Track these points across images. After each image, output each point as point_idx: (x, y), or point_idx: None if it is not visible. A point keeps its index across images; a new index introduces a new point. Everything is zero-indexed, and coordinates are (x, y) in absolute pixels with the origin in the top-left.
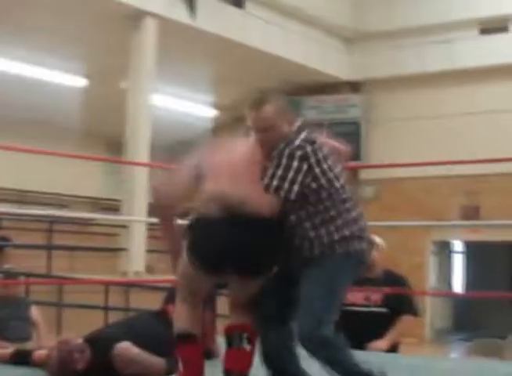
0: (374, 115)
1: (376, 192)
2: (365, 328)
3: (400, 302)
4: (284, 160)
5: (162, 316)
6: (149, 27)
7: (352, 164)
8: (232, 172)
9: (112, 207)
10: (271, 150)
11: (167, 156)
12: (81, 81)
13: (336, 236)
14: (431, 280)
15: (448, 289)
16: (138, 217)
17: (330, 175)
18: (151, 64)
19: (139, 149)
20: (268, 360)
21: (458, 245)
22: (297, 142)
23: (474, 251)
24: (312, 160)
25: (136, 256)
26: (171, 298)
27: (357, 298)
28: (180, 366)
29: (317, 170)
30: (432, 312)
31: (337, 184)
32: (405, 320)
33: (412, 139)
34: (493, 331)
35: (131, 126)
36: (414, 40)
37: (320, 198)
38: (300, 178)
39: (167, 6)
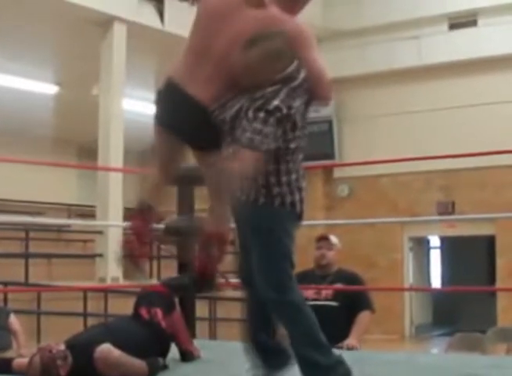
0: (346, 113)
1: (351, 190)
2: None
3: (355, 299)
4: (261, 116)
5: (137, 320)
6: (118, 32)
7: (326, 163)
8: (205, 54)
9: (87, 213)
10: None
11: (140, 160)
12: (52, 88)
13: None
14: (409, 276)
15: (427, 285)
16: (113, 222)
17: (299, 133)
18: (121, 69)
19: (112, 154)
20: (243, 327)
21: (435, 240)
22: (276, 101)
23: (450, 246)
24: (288, 126)
25: (113, 262)
26: (141, 301)
27: (308, 293)
28: (131, 235)
29: (290, 135)
30: (412, 308)
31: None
32: (365, 316)
33: (385, 136)
34: (473, 325)
35: (103, 132)
36: (383, 37)
37: (286, 159)
38: (270, 139)
39: (135, 11)
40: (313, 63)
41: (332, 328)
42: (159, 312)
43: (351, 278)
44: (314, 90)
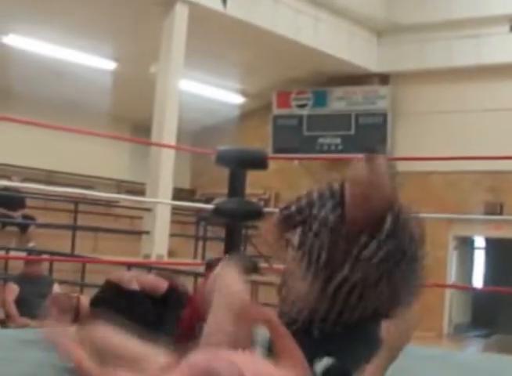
0: (401, 107)
1: (400, 185)
2: None
3: None
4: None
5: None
6: (180, 13)
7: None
8: None
9: (137, 189)
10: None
11: (193, 141)
12: (110, 64)
13: None
14: (452, 275)
15: (469, 285)
16: (162, 200)
17: None
18: (181, 50)
19: (166, 133)
20: None
21: (479, 241)
22: None
23: (495, 248)
24: None
25: (159, 239)
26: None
27: None
28: None
29: None
30: (451, 306)
31: None
32: None
33: (438, 133)
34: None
35: (158, 111)
36: (443, 34)
37: None
38: None
39: None
40: None
41: None
42: None
43: None
44: None
